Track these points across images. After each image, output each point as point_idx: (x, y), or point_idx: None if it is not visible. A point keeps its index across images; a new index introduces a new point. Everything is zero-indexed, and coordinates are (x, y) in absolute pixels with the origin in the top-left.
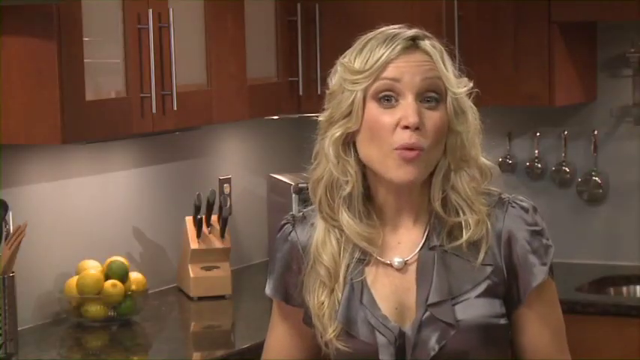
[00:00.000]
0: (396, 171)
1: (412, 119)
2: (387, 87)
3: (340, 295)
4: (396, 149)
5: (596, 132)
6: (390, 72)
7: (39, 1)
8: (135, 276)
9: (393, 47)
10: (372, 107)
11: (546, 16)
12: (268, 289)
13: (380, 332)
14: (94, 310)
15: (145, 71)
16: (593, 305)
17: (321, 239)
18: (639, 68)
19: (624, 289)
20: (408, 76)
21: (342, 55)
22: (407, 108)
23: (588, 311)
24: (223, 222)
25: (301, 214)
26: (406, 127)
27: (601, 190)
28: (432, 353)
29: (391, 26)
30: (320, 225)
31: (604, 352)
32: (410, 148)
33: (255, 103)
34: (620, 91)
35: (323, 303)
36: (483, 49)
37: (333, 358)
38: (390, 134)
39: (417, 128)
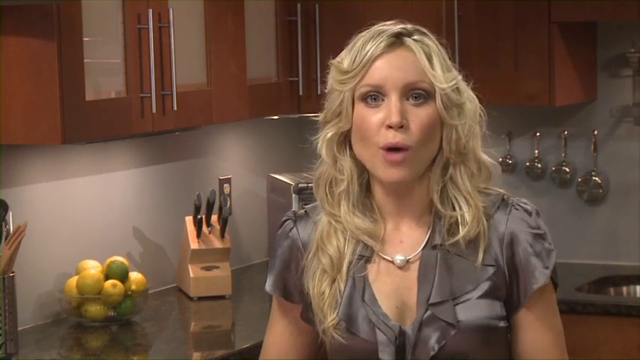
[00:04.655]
0: (383, 171)
1: (394, 119)
2: (372, 90)
3: (343, 286)
4: (381, 149)
5: (596, 132)
6: (372, 77)
7: (39, 1)
8: (135, 276)
9: (377, 44)
10: (360, 107)
11: (546, 16)
12: (268, 286)
13: (380, 330)
14: (94, 310)
15: (145, 71)
16: (593, 305)
17: (326, 231)
18: (639, 68)
19: (624, 289)
20: (390, 78)
21: (338, 56)
22: (390, 107)
23: (588, 311)
24: (223, 222)
25: (303, 211)
26: (390, 127)
27: (601, 190)
28: (432, 353)
29: (384, 23)
30: (324, 219)
31: (604, 352)
32: (396, 149)
33: (255, 103)
34: (620, 91)
35: (324, 293)
36: (483, 49)
37: (328, 347)
38: (376, 133)
39: (400, 127)
